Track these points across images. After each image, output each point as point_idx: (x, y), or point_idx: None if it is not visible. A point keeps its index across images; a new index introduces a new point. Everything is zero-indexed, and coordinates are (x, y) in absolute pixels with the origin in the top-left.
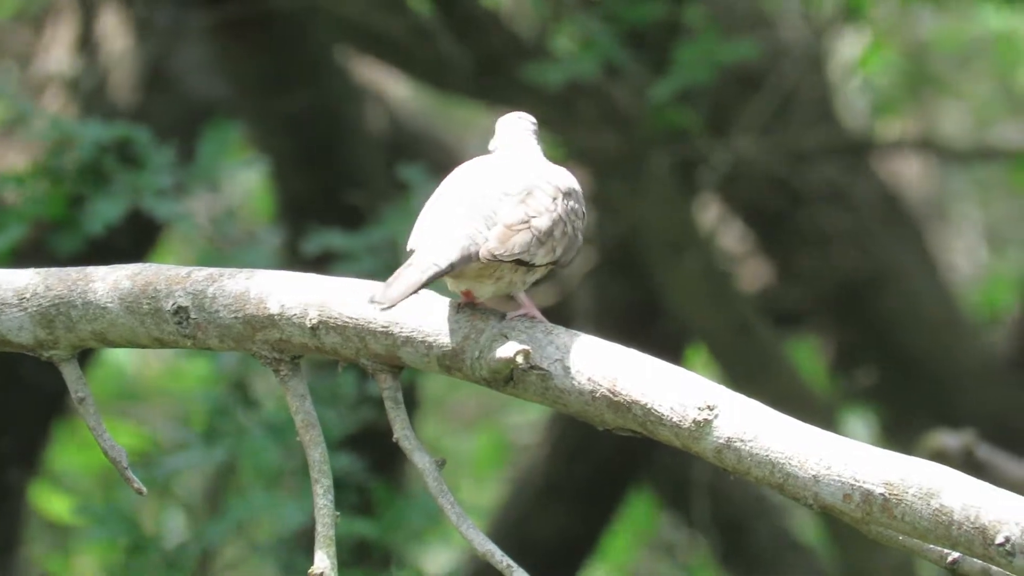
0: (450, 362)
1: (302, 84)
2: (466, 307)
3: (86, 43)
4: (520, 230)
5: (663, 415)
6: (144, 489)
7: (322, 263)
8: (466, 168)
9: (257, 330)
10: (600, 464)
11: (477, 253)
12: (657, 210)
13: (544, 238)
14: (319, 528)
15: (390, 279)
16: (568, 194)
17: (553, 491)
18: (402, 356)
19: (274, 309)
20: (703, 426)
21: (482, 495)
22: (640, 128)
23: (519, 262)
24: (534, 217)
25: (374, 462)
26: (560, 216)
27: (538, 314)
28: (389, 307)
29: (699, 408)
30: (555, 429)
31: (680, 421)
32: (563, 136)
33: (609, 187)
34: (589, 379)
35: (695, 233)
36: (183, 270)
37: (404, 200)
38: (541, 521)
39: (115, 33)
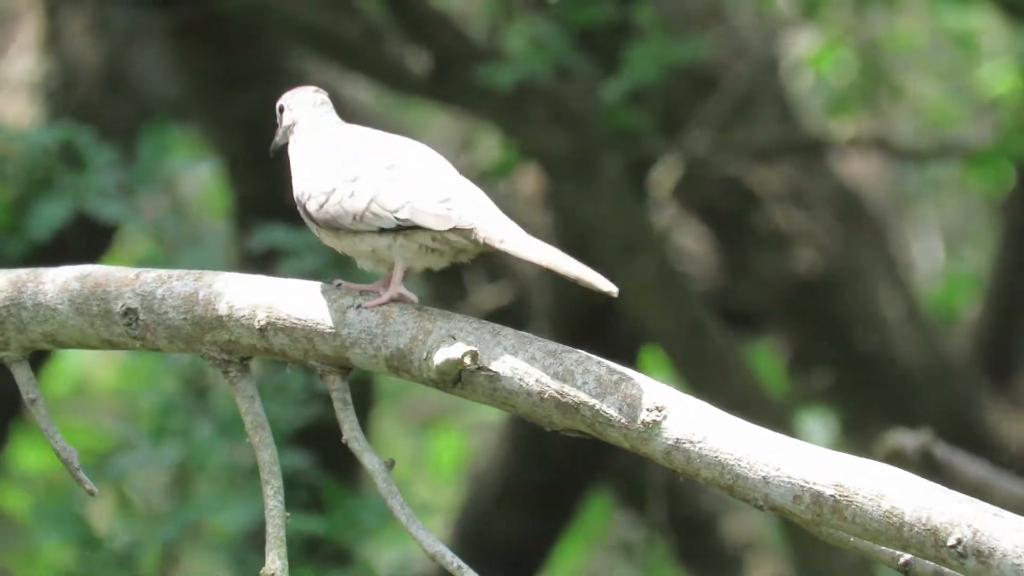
0: (398, 363)
1: (255, 85)
2: (339, 285)
3: (47, 44)
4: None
5: (611, 416)
6: (95, 490)
7: (268, 260)
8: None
9: (206, 331)
10: (558, 465)
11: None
12: (609, 211)
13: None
14: (270, 529)
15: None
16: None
17: (511, 492)
18: (350, 357)
19: (222, 310)
20: (652, 427)
21: (440, 496)
22: (591, 129)
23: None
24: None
25: (325, 459)
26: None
27: (391, 295)
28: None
29: (648, 409)
30: (513, 430)
31: (629, 423)
32: (515, 137)
33: (562, 188)
34: (537, 380)
35: (648, 234)
36: (132, 271)
37: None
38: (499, 522)
39: (75, 34)
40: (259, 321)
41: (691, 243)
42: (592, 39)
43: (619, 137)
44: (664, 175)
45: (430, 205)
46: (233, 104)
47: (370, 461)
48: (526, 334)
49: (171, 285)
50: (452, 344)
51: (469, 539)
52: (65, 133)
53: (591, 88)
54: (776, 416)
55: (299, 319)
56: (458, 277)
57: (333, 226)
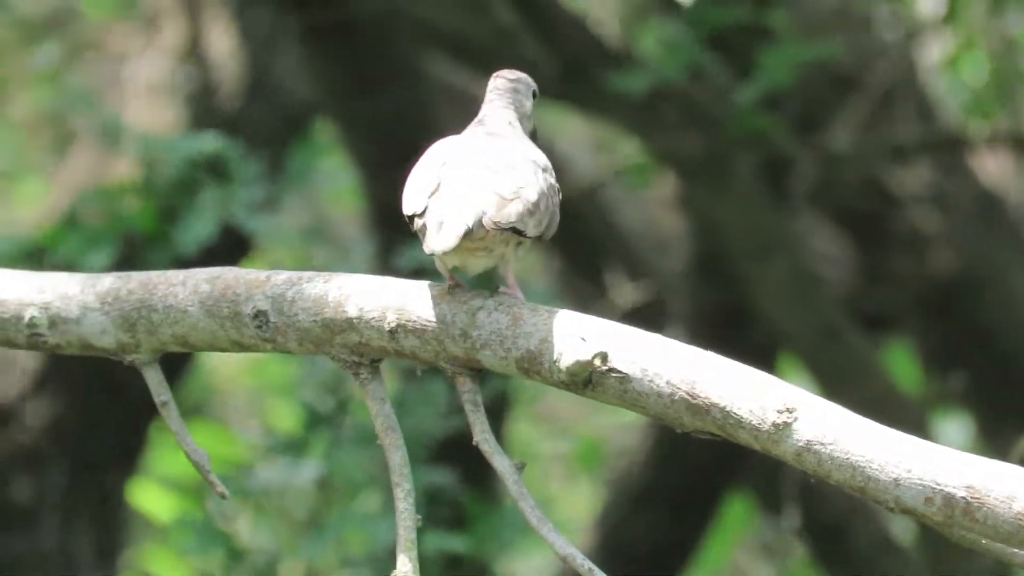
0: (528, 365)
1: (390, 88)
2: (455, 289)
3: (186, 48)
4: (512, 199)
5: (742, 417)
6: (227, 493)
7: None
8: (446, 144)
9: (336, 333)
10: (696, 467)
11: (481, 222)
12: (743, 213)
13: (533, 209)
14: (400, 532)
15: (432, 231)
16: (545, 169)
17: (649, 495)
18: (481, 359)
19: (352, 312)
20: (782, 429)
21: (578, 499)
22: (724, 131)
23: (514, 230)
24: (522, 188)
25: (470, 472)
26: (543, 189)
27: (520, 294)
28: (446, 250)
29: (778, 411)
30: (651, 432)
31: (759, 424)
32: (647, 139)
33: (695, 190)
34: (668, 382)
35: (782, 236)
36: (262, 274)
37: None
38: (637, 525)
39: (215, 38)
40: (389, 323)
41: (826, 245)
42: (724, 42)
43: (753, 139)
44: (800, 177)
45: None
46: (367, 108)
47: (500, 463)
48: (657, 335)
49: (301, 287)
50: (582, 345)
51: (607, 543)
52: (212, 146)
53: (724, 90)
54: (912, 419)
55: (429, 321)
56: (597, 275)
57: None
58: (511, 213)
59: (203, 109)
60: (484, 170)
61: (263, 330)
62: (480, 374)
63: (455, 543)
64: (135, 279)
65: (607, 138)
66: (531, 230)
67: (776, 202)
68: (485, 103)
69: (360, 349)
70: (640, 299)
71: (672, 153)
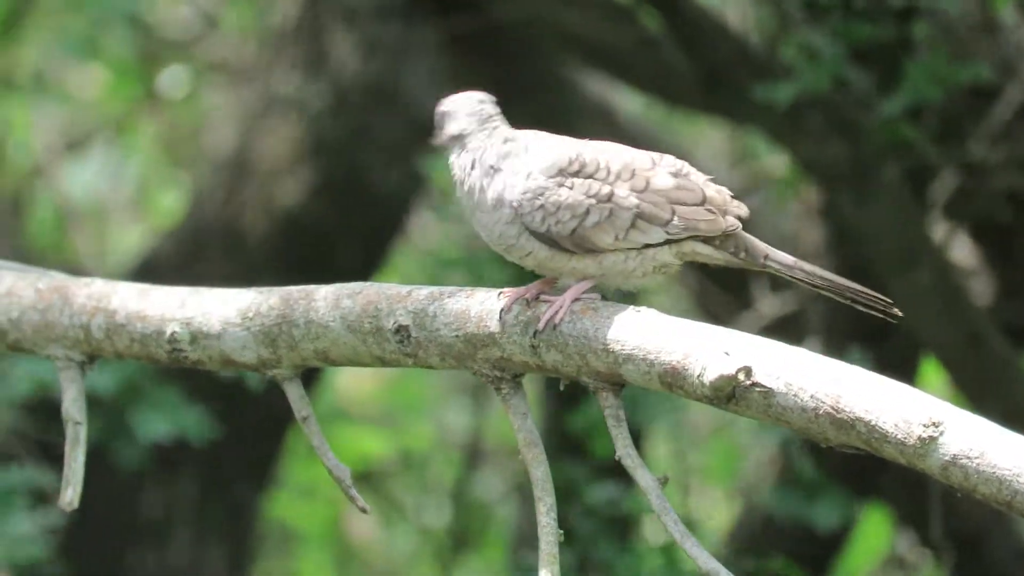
0: (672, 380)
1: (531, 97)
2: (534, 301)
3: (316, 62)
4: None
5: (887, 432)
6: (368, 508)
7: None
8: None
9: (478, 348)
10: (833, 480)
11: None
12: (886, 222)
13: None
14: (543, 546)
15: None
16: None
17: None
18: (623, 374)
19: (495, 327)
20: (928, 443)
21: (714, 512)
22: (869, 140)
23: None
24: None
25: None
26: None
27: (569, 300)
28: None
29: (924, 425)
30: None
31: (905, 438)
32: (791, 148)
33: (838, 199)
34: (812, 396)
35: (926, 245)
36: (404, 289)
37: None
38: (775, 538)
39: (345, 51)
40: (531, 337)
41: (964, 257)
42: (867, 53)
43: (897, 148)
44: (941, 187)
45: (698, 211)
46: (508, 117)
47: (643, 478)
48: (800, 349)
49: (443, 302)
50: (726, 360)
51: (743, 556)
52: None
53: (868, 100)
54: None
55: (572, 335)
56: (739, 287)
57: (586, 247)
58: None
59: (330, 121)
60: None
61: (404, 345)
62: (622, 388)
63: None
64: (276, 294)
65: (746, 148)
66: None
67: (919, 211)
68: (489, 132)
69: (502, 364)
70: (781, 311)
71: (816, 162)
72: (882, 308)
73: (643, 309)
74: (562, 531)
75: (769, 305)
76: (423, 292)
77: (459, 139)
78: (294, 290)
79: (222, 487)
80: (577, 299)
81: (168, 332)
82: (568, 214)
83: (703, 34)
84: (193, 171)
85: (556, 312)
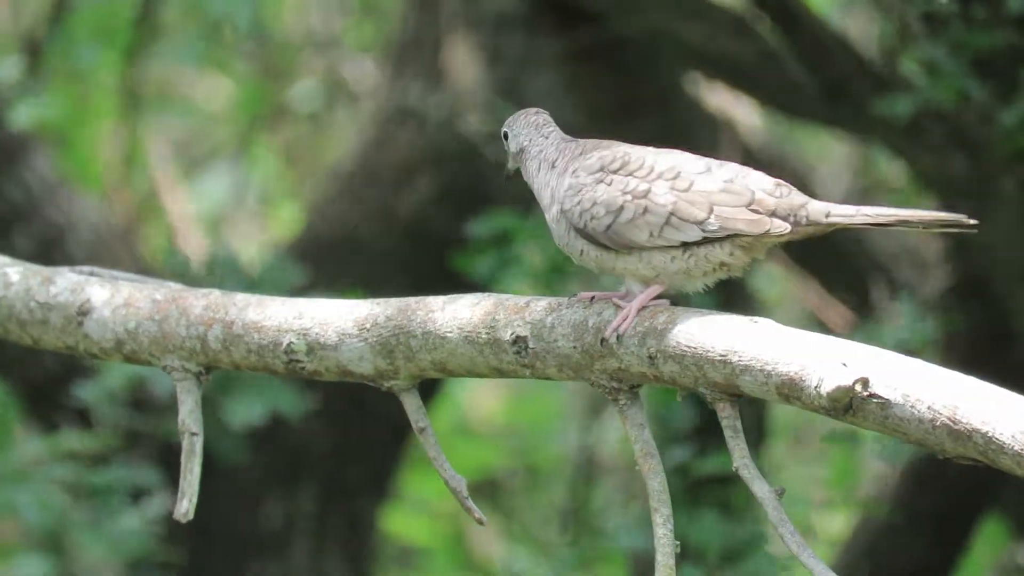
0: (789, 391)
1: (652, 111)
2: (591, 298)
3: (439, 72)
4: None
5: (1004, 443)
6: (484, 519)
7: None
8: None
9: (596, 359)
10: (951, 491)
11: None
12: (1007, 235)
13: None
14: (659, 557)
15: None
16: None
17: (904, 519)
18: (740, 385)
19: (611, 338)
20: None
21: (832, 523)
22: (989, 152)
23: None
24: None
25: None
26: None
27: (637, 307)
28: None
29: None
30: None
31: (1022, 449)
32: (910, 161)
33: (957, 211)
34: (929, 407)
35: None
36: (522, 300)
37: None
38: (892, 549)
39: (468, 62)
40: (649, 349)
41: None
42: (988, 64)
43: (1018, 161)
44: None
45: (739, 211)
46: (628, 130)
47: (760, 489)
48: (917, 360)
49: (561, 313)
50: (843, 370)
51: (861, 567)
52: None
53: (989, 112)
54: None
55: (688, 347)
56: (857, 298)
57: (622, 243)
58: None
59: (450, 131)
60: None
61: (522, 356)
62: (739, 400)
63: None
64: (393, 305)
65: (868, 160)
66: None
67: None
68: (546, 136)
69: (619, 375)
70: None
71: (936, 175)
72: (956, 223)
73: (760, 320)
74: (678, 542)
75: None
76: (541, 303)
77: (522, 153)
78: (411, 301)
79: (342, 498)
80: (645, 307)
81: (285, 343)
82: (603, 210)
83: (823, 47)
84: (314, 183)
85: (623, 321)
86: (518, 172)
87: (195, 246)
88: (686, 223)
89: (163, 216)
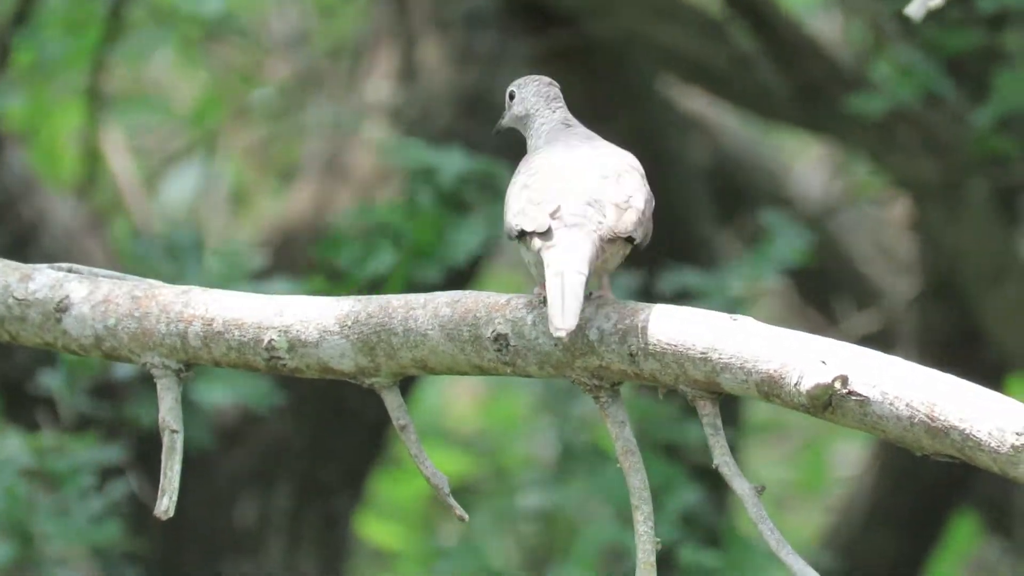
0: (769, 388)
1: (623, 113)
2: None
3: (407, 71)
4: (627, 209)
5: (981, 440)
6: (466, 516)
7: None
8: (549, 151)
9: (576, 357)
10: (925, 489)
11: (599, 237)
12: (977, 237)
13: (643, 217)
14: (640, 555)
15: (556, 307)
16: (643, 176)
17: (879, 517)
18: (721, 382)
19: (593, 336)
20: (1021, 451)
21: (808, 522)
22: (960, 155)
23: (628, 239)
24: (631, 196)
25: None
26: (647, 197)
27: (611, 295)
28: (566, 333)
29: (1017, 433)
30: (880, 456)
31: (998, 446)
32: (881, 163)
33: (928, 214)
34: (907, 405)
35: (1016, 261)
36: (502, 297)
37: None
38: (867, 547)
39: (435, 62)
40: (630, 346)
41: None
42: (960, 66)
43: (988, 163)
44: None
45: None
46: (601, 132)
47: (740, 486)
48: (894, 358)
49: (542, 311)
50: (823, 368)
51: (837, 564)
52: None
53: (960, 114)
54: None
55: (669, 344)
56: (826, 303)
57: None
58: (627, 223)
59: (420, 131)
60: (600, 180)
61: (503, 353)
62: (719, 397)
63: (709, 559)
64: (374, 302)
65: (843, 165)
66: (639, 236)
67: (1010, 226)
68: (549, 108)
69: (600, 373)
70: (868, 326)
71: (907, 177)
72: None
73: (740, 317)
74: (659, 540)
75: (856, 322)
76: (521, 300)
77: (524, 119)
78: (392, 298)
79: (317, 497)
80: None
81: (266, 340)
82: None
83: (795, 50)
84: (285, 181)
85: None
86: (510, 130)
87: (157, 235)
88: (506, 223)
89: (128, 214)
